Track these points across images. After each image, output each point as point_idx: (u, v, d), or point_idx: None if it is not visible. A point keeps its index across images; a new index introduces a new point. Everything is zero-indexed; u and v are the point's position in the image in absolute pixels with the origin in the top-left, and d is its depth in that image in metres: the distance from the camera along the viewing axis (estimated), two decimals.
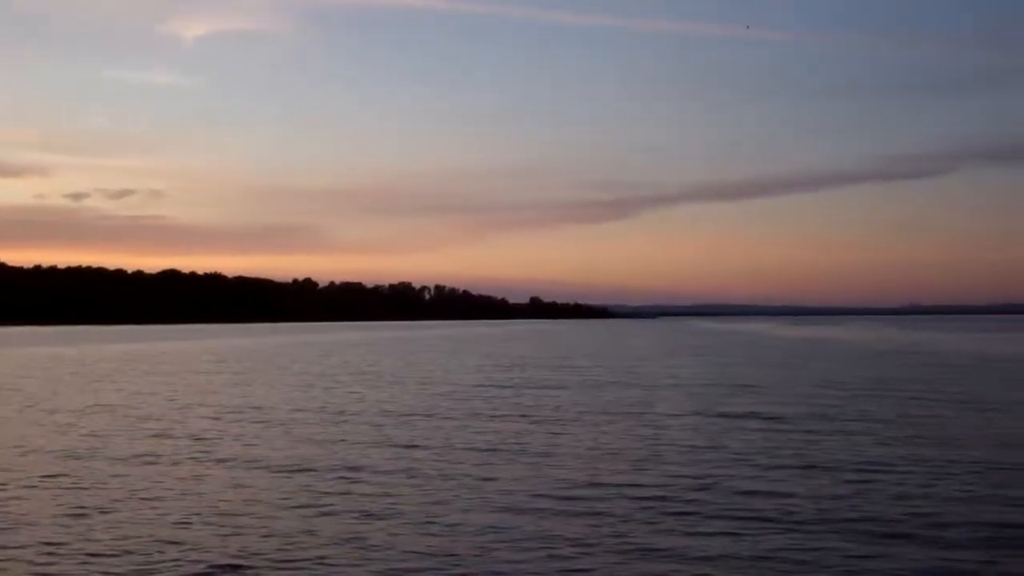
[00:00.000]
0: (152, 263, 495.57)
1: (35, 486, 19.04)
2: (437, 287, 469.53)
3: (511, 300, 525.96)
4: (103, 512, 16.53)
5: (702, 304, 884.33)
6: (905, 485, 18.45)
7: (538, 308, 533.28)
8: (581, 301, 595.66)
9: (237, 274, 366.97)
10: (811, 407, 33.61)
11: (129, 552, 13.92)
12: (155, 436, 26.94)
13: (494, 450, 23.58)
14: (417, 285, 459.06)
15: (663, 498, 17.41)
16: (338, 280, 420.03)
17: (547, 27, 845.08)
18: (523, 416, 31.44)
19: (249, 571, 12.99)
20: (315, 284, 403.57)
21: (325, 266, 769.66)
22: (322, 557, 13.64)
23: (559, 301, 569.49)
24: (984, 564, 13.00)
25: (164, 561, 13.41)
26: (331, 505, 17.09)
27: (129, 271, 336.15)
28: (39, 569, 13.08)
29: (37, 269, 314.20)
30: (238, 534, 14.93)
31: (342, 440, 25.78)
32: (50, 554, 13.80)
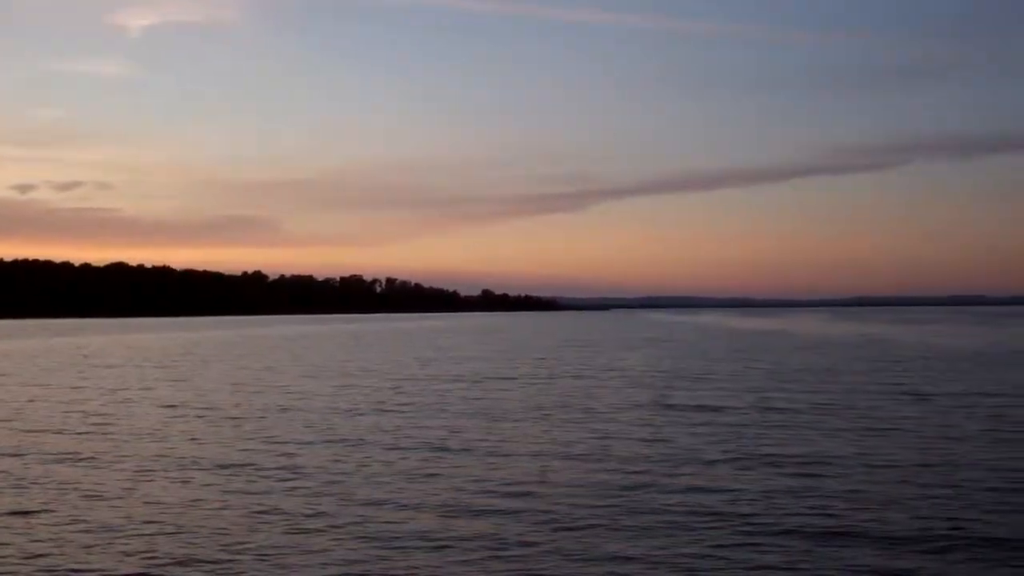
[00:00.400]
0: (100, 256, 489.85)
1: None
2: (388, 280, 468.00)
3: (463, 293, 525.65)
4: (45, 511, 16.31)
5: (653, 296, 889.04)
6: (850, 479, 18.57)
7: (490, 301, 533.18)
8: (533, 294, 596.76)
9: (186, 267, 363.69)
10: (759, 399, 33.90)
11: (67, 553, 13.72)
12: (98, 432, 26.62)
13: (441, 447, 23.42)
14: (368, 278, 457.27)
15: (611, 494, 17.38)
16: (289, 273, 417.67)
17: (502, 20, 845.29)
18: (471, 411, 31.38)
19: (187, 572, 12.83)
20: (265, 277, 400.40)
21: (276, 259, 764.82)
22: (263, 557, 13.51)
23: (511, 294, 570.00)
24: (930, 562, 13.05)
25: (101, 562, 13.23)
26: (274, 504, 16.89)
27: (76, 264, 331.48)
28: None
29: None
30: (179, 533, 14.75)
31: (288, 436, 25.56)
32: None
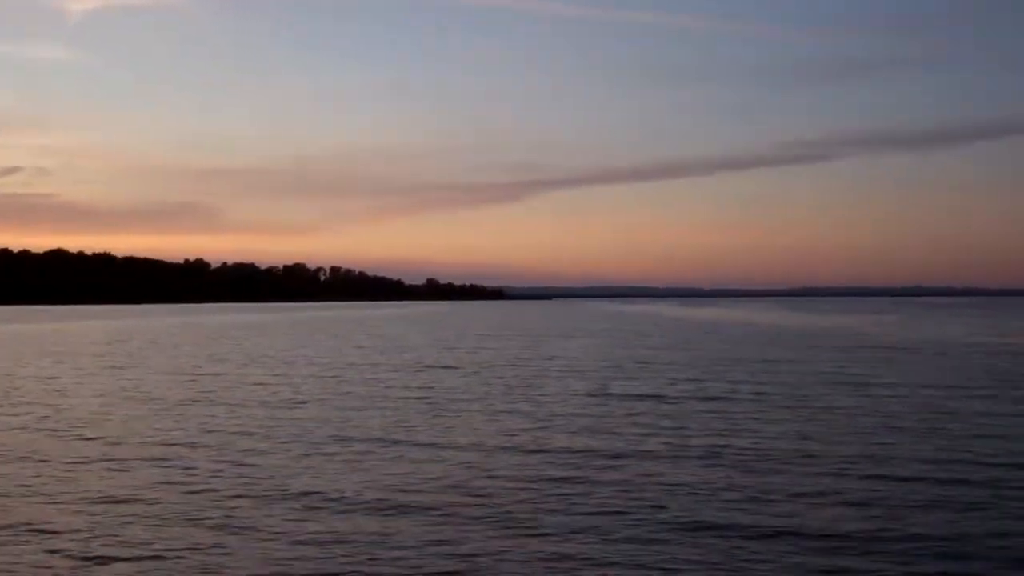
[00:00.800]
0: (39, 242, 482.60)
1: None
2: (332, 268, 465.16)
3: (407, 282, 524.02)
4: None
5: (599, 286, 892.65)
6: (787, 474, 18.61)
7: (434, 290, 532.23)
8: (477, 283, 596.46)
9: (127, 254, 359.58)
10: (697, 387, 34.18)
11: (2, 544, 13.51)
12: (34, 421, 26.26)
13: (379, 439, 23.22)
14: (312, 266, 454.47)
15: (547, 486, 17.31)
16: (231, 261, 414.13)
17: (449, 8, 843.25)
18: (410, 401, 31.20)
19: (121, 566, 12.62)
20: (207, 265, 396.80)
21: (218, 246, 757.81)
22: (198, 550, 13.31)
23: (455, 283, 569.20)
24: (859, 561, 13.00)
25: (34, 554, 12.97)
26: (210, 496, 16.64)
27: (15, 250, 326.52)
28: None
29: None
30: (114, 526, 14.49)
31: (227, 427, 25.27)
32: None
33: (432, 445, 22.06)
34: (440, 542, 13.66)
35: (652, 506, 15.81)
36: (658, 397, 31.50)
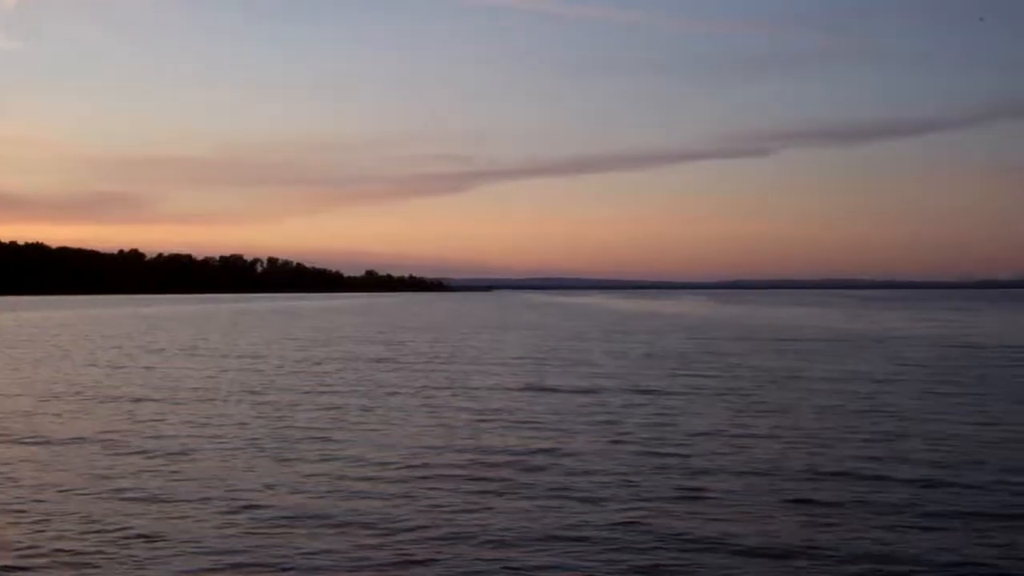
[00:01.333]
0: None
1: None
2: (270, 259, 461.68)
3: (346, 273, 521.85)
4: None
5: (539, 278, 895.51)
6: (718, 477, 18.61)
7: (373, 281, 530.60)
8: (417, 274, 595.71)
9: (61, 244, 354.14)
10: (632, 380, 34.31)
11: None
12: None
13: (311, 427, 23.05)
14: (249, 257, 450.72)
15: (481, 478, 17.24)
16: (167, 251, 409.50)
17: (388, 0, 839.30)
18: (342, 394, 30.99)
19: (57, 562, 12.29)
20: (142, 255, 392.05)
21: (154, 237, 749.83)
22: (132, 544, 13.07)
23: (394, 274, 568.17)
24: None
25: None
26: (146, 489, 16.37)
27: None
28: None
29: None
30: (47, 521, 14.25)
31: (162, 420, 24.89)
32: None
33: (360, 441, 21.62)
34: (373, 532, 13.57)
35: (584, 499, 15.74)
36: (589, 391, 31.48)
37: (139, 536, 13.51)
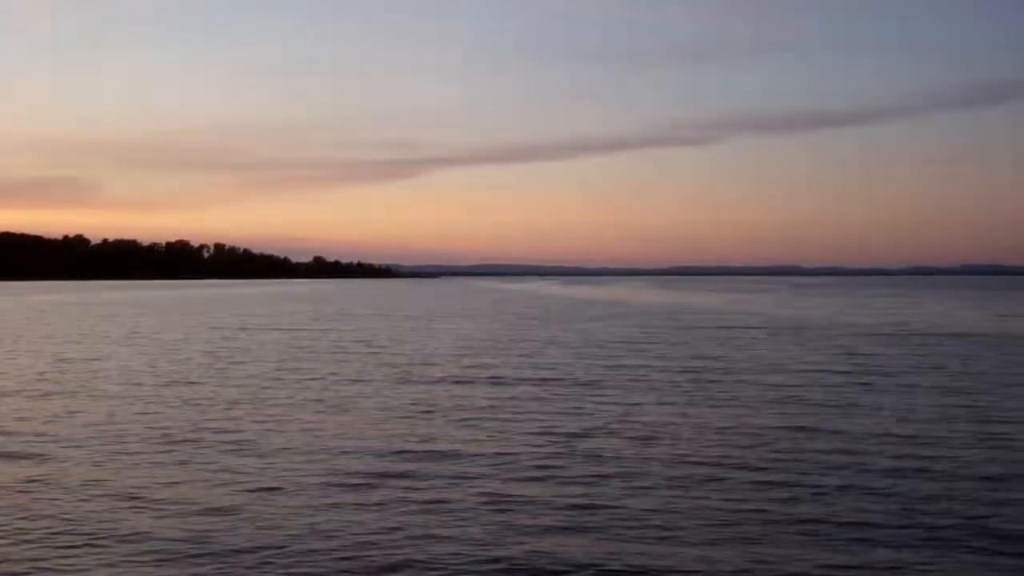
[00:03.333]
0: None
1: None
2: (217, 245, 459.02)
3: (294, 259, 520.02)
4: None
5: (486, 264, 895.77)
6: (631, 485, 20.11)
7: (321, 268, 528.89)
8: (365, 261, 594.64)
9: (3, 229, 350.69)
10: (555, 369, 34.66)
11: None
12: None
13: (197, 435, 21.33)
14: (196, 243, 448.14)
15: (366, 484, 16.32)
16: (112, 237, 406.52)
17: None
18: (278, 380, 31.59)
19: None
20: (87, 241, 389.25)
21: (98, 222, 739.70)
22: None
23: (343, 261, 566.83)
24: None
25: None
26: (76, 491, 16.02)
27: None
28: None
29: None
30: None
31: (87, 413, 24.45)
32: None
33: (249, 444, 19.94)
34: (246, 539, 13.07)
35: (489, 495, 15.57)
36: (503, 380, 31.26)
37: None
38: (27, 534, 13.38)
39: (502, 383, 30.51)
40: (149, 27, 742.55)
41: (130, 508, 14.72)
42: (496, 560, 12.24)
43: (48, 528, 13.67)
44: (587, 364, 36.40)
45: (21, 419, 23.24)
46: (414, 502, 15.03)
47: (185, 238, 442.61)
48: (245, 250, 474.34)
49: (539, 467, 17.55)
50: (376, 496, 15.41)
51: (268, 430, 21.61)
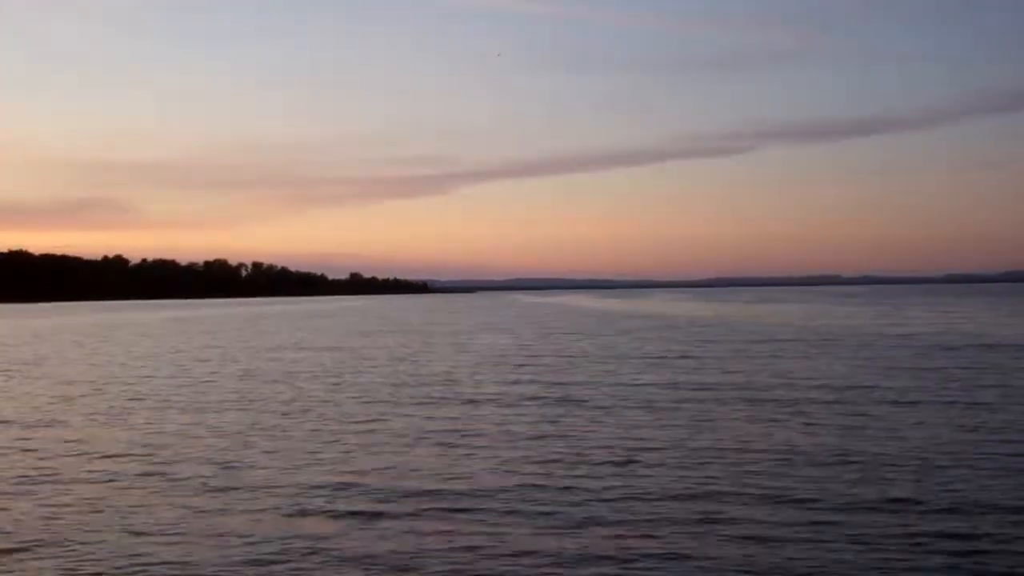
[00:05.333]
0: None
1: None
2: (254, 264, 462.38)
3: (330, 276, 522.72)
4: None
5: (521, 278, 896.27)
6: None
7: (357, 284, 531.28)
8: (401, 276, 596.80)
9: (44, 251, 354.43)
10: (568, 383, 34.62)
11: None
12: None
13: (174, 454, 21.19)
14: (233, 262, 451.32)
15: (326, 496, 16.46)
16: (151, 257, 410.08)
17: (365, 1, 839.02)
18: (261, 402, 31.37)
19: None
20: (126, 261, 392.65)
21: (137, 242, 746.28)
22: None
23: (379, 277, 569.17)
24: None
25: None
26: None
27: None
28: None
29: None
30: None
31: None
32: None
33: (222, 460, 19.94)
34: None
35: (462, 493, 16.96)
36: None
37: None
38: None
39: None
40: (185, 45, 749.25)
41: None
42: None
43: None
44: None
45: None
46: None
47: (223, 257, 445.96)
48: (282, 268, 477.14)
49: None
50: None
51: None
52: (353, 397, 31.54)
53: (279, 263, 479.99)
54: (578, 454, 20.12)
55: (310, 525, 14.73)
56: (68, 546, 13.69)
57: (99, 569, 12.65)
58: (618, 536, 13.77)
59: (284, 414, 27.43)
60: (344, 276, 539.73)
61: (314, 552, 13.22)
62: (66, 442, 22.85)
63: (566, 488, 16.84)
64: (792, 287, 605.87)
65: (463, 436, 22.83)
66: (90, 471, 19.12)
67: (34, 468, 19.49)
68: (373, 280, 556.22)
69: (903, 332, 64.82)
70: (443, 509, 15.50)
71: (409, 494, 16.55)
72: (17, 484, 17.93)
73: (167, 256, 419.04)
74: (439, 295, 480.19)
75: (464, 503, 15.87)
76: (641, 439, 21.84)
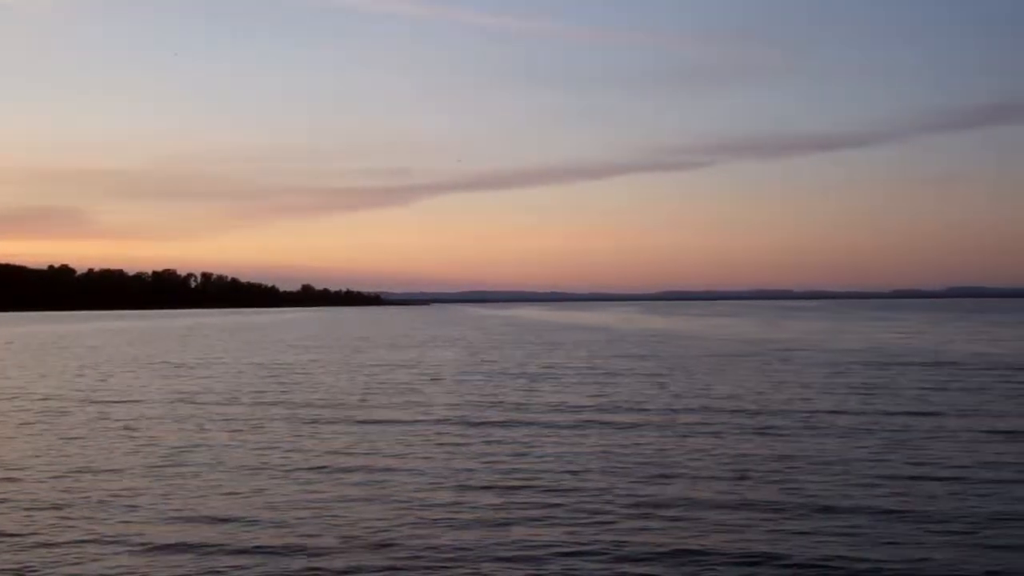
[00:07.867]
0: None
1: None
2: (204, 274, 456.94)
3: (282, 288, 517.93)
4: None
5: (474, 291, 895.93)
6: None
7: (310, 296, 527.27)
8: (354, 288, 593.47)
9: None
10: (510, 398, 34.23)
11: None
12: None
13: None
14: (183, 272, 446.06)
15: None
16: (98, 267, 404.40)
17: (330, 10, 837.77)
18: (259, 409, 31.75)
19: None
20: (72, 271, 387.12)
21: (85, 252, 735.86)
22: None
23: (331, 288, 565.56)
24: None
25: None
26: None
27: None
28: None
29: None
30: None
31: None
32: None
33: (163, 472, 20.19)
34: None
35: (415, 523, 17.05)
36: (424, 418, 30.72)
37: None
38: None
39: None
40: (132, 57, 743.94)
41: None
42: None
43: None
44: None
45: None
46: None
47: (172, 267, 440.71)
48: (232, 279, 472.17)
49: None
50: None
51: None
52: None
53: (231, 274, 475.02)
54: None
55: None
56: None
57: None
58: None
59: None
60: (296, 288, 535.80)
61: None
62: None
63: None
64: (742, 300, 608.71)
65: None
66: None
67: None
68: (325, 292, 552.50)
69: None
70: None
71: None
72: None
73: (119, 267, 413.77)
74: (391, 307, 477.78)
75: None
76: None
